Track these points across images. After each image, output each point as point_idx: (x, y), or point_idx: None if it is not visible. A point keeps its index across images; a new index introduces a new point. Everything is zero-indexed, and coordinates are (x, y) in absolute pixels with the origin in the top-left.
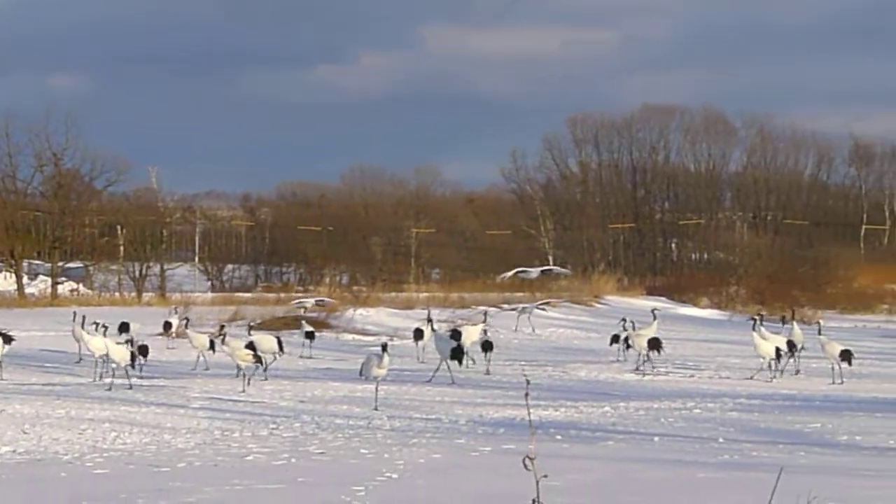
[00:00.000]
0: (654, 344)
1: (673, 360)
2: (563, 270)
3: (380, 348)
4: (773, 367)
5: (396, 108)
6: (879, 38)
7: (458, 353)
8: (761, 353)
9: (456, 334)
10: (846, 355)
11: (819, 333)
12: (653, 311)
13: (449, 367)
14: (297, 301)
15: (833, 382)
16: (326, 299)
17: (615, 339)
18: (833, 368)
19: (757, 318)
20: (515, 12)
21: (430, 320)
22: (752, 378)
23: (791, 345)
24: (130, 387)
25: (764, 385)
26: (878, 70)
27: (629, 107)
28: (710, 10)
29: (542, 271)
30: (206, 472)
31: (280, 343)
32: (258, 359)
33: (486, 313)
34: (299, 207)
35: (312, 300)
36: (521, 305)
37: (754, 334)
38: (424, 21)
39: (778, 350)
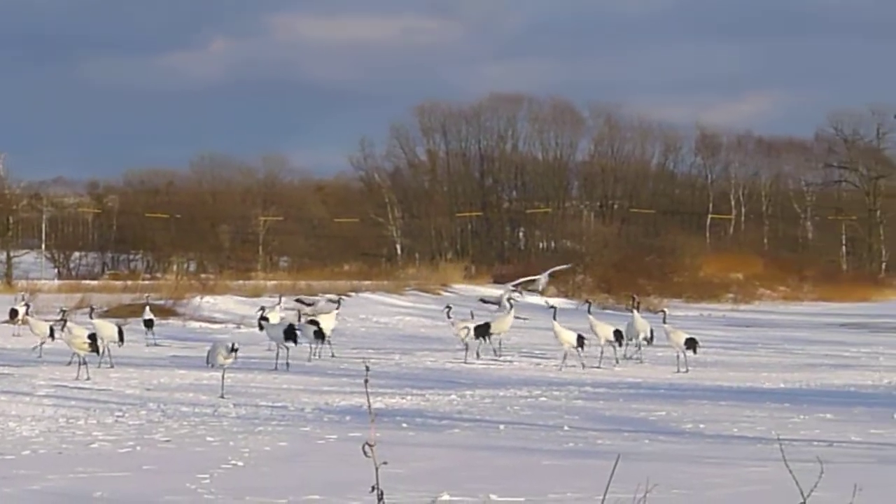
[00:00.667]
0: (481, 332)
1: (520, 349)
2: (564, 267)
3: (226, 335)
4: (614, 353)
5: (244, 95)
6: (721, 28)
7: (291, 335)
8: (561, 341)
9: (314, 323)
10: (691, 343)
11: (664, 322)
12: (508, 299)
13: (287, 353)
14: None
15: (678, 371)
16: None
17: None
18: (678, 357)
19: (549, 306)
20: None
21: (263, 308)
22: (584, 367)
23: (618, 334)
24: None
25: (609, 373)
26: (720, 60)
27: (477, 96)
28: None
29: (549, 275)
30: (50, 460)
31: (121, 331)
32: (95, 346)
33: (339, 300)
34: (147, 195)
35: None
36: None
37: (554, 322)
38: (272, 9)
39: (580, 338)
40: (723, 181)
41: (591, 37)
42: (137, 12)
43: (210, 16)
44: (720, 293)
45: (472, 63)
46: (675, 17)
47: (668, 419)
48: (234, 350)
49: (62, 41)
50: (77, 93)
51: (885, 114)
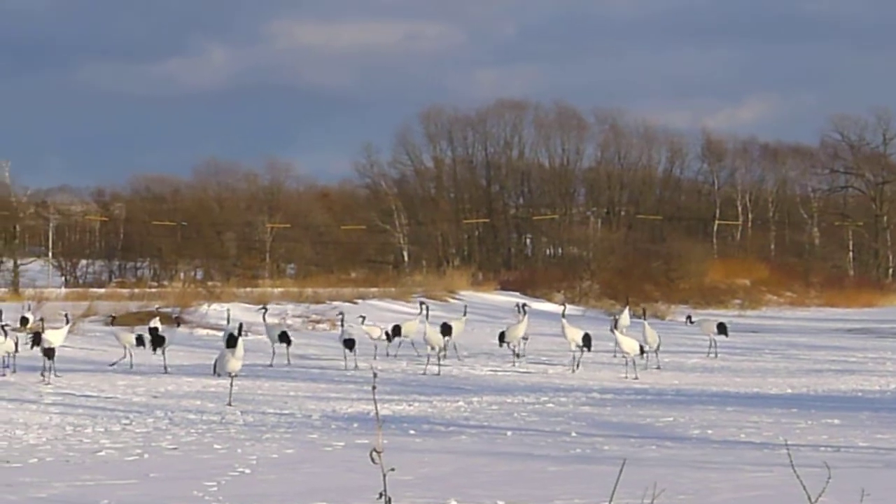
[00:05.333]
0: (500, 338)
1: (526, 356)
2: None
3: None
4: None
5: (245, 102)
6: (714, 33)
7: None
8: (507, 339)
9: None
10: (642, 349)
11: (614, 328)
12: (523, 306)
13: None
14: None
15: (627, 376)
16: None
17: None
18: (627, 363)
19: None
20: (356, 5)
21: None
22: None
23: (587, 338)
24: None
25: (616, 379)
26: (718, 65)
27: (481, 101)
28: (553, 3)
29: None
30: (57, 468)
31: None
32: (47, 352)
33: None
34: (153, 202)
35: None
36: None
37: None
38: (271, 16)
39: (587, 337)
40: (728, 187)
41: (588, 41)
42: (134, 19)
43: (208, 23)
44: (726, 299)
45: (474, 68)
46: (668, 21)
47: (675, 425)
48: (240, 332)
49: (59, 48)
50: (77, 100)
51: (890, 119)
